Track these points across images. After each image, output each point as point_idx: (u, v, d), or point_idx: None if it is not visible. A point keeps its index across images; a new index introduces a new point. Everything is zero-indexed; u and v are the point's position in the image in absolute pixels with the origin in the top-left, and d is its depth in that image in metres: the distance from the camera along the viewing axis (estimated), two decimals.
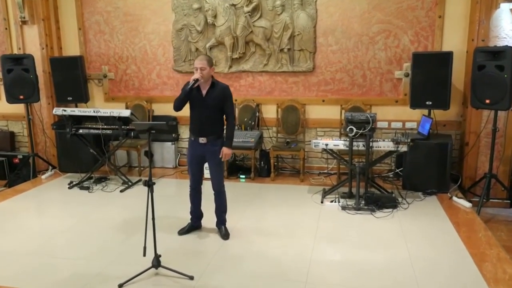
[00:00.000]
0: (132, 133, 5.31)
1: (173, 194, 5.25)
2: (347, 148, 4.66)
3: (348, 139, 4.64)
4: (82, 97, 6.11)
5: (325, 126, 5.92)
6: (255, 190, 5.36)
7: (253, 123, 5.93)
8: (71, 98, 6.11)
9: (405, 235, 3.98)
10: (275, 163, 5.85)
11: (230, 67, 5.99)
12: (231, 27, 5.82)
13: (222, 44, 5.93)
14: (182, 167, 6.25)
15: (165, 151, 6.28)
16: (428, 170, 5.02)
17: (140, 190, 5.38)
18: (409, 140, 4.55)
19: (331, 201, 4.74)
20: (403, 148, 4.56)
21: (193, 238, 3.98)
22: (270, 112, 6.02)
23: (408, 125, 5.65)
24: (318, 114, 5.90)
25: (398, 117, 5.67)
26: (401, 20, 5.46)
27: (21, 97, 5.86)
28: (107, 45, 6.38)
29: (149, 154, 3.26)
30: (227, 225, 4.05)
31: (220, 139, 3.81)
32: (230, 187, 5.49)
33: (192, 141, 3.84)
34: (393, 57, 5.56)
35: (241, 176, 5.81)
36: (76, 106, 6.31)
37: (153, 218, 3.17)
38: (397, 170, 5.59)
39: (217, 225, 4.04)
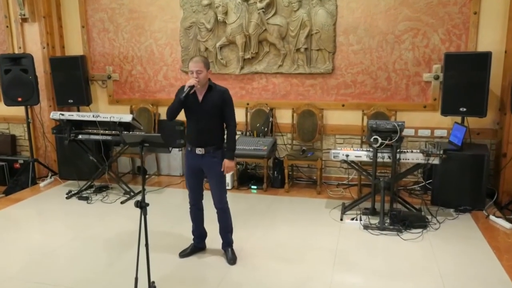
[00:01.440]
0: None
1: (178, 206, 4.80)
2: (370, 160, 4.15)
3: (371, 150, 4.14)
4: (84, 100, 5.72)
5: (345, 133, 5.42)
6: (267, 203, 4.89)
7: (266, 129, 5.47)
8: (72, 101, 5.73)
9: (437, 262, 3.46)
10: (290, 173, 5.37)
11: (242, 68, 5.53)
12: (243, 25, 5.36)
13: (234, 43, 5.47)
14: None
15: (171, 158, 5.88)
16: (461, 184, 4.48)
17: None
18: (441, 152, 4.02)
19: (352, 219, 4.24)
20: (435, 161, 4.03)
21: (195, 262, 3.52)
22: (284, 117, 5.55)
23: (437, 133, 5.11)
24: (337, 120, 5.41)
25: (426, 124, 5.14)
26: (431, 17, 4.92)
27: (19, 99, 5.50)
28: (111, 44, 5.99)
29: (142, 171, 2.81)
30: (235, 246, 3.60)
31: (220, 150, 3.37)
32: (241, 198, 5.08)
33: (189, 151, 3.41)
34: (421, 58, 5.03)
35: (253, 187, 5.35)
36: (78, 109, 5.93)
37: (146, 245, 2.72)
38: (425, 183, 5.05)
39: (223, 247, 3.59)
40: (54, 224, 4.39)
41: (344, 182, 5.48)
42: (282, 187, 5.32)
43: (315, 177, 5.52)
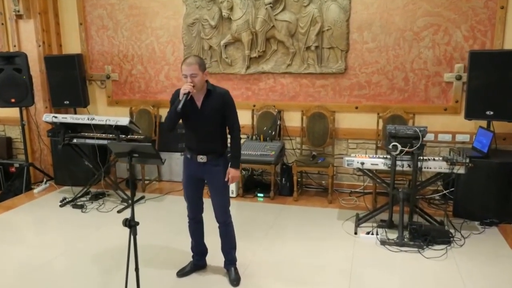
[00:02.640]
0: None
1: (179, 216, 4.43)
2: (388, 169, 3.78)
3: (389, 157, 3.77)
4: (81, 101, 5.41)
5: (358, 138, 5.05)
6: (274, 212, 4.53)
7: (273, 132, 5.11)
8: (68, 102, 5.42)
9: (465, 284, 3.09)
10: (298, 179, 5.01)
11: (248, 67, 5.18)
12: (249, 21, 5.01)
13: (239, 41, 5.12)
14: None
15: (173, 163, 5.54)
16: (487, 194, 4.09)
17: (142, 210, 4.62)
18: (467, 161, 3.64)
19: (367, 233, 3.87)
20: (460, 170, 3.65)
21: (194, 283, 3.18)
22: (293, 120, 5.19)
23: (459, 138, 4.73)
24: (350, 123, 5.04)
25: (446, 128, 4.75)
26: (453, 12, 4.53)
27: (13, 100, 5.20)
28: (110, 42, 5.66)
29: (131, 184, 2.46)
30: (238, 262, 3.25)
31: (222, 156, 3.03)
32: (246, 207, 4.74)
33: (189, 159, 3.07)
34: (442, 56, 4.65)
35: (259, 195, 4.99)
36: (75, 111, 5.63)
37: (136, 269, 2.38)
38: (445, 192, 4.67)
39: (225, 266, 3.24)
40: (45, 236, 4.07)
41: (357, 190, 5.10)
42: (291, 195, 4.96)
43: (325, 184, 5.16)
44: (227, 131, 3.05)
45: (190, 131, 3.02)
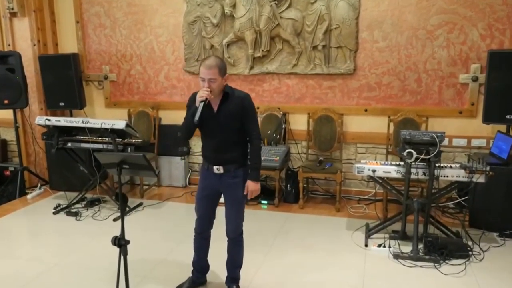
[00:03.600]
0: (129, 148, 4.34)
1: (179, 225, 4.22)
2: (402, 177, 3.52)
3: (402, 164, 3.51)
4: (76, 103, 5.17)
5: (368, 142, 4.79)
6: (279, 221, 4.28)
7: (278, 136, 4.86)
8: (63, 104, 5.18)
9: None
10: (304, 185, 4.75)
11: (252, 68, 4.93)
12: (253, 19, 4.76)
13: (242, 40, 4.88)
14: (193, 186, 5.26)
15: (173, 167, 5.31)
16: (507, 203, 3.83)
17: (139, 218, 4.39)
18: (487, 169, 3.37)
19: (379, 245, 3.61)
20: (480, 179, 3.39)
21: None
22: (299, 123, 4.94)
23: (475, 142, 4.47)
24: (359, 126, 4.78)
25: (461, 133, 4.49)
26: (470, 10, 4.27)
27: (6, 101, 4.97)
28: (108, 41, 5.43)
29: (120, 199, 2.22)
30: (241, 282, 3.00)
31: (242, 168, 2.76)
32: (249, 215, 4.42)
33: (205, 170, 2.81)
34: (457, 56, 4.38)
35: (263, 202, 4.75)
36: (71, 113, 5.40)
37: None
38: (460, 200, 4.41)
39: (226, 283, 2.99)
40: (35, 246, 3.83)
41: (366, 197, 4.85)
42: (296, 202, 4.71)
43: (333, 190, 4.91)
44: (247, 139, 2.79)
45: (205, 138, 2.77)
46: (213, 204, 2.88)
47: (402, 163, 3.60)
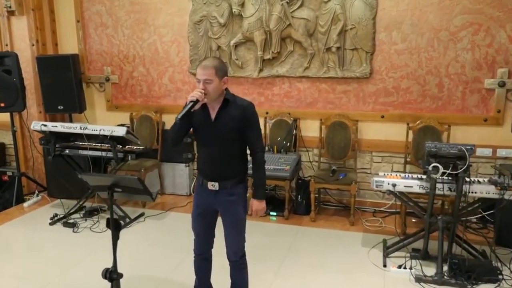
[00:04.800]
0: (130, 156, 4.08)
1: (182, 239, 3.93)
2: (424, 192, 3.23)
3: (424, 178, 3.22)
4: (76, 106, 4.91)
5: (384, 150, 4.49)
6: (289, 235, 4.00)
7: (288, 143, 4.57)
8: (62, 107, 4.93)
9: None
10: (316, 195, 4.46)
11: (261, 70, 4.64)
12: (262, 19, 4.47)
13: (251, 41, 4.59)
14: None
15: (176, 175, 5.04)
16: None
17: (140, 230, 4.13)
18: None
19: (399, 266, 3.31)
20: None
21: None
22: (311, 129, 4.65)
23: (501, 152, 4.15)
24: (375, 134, 4.49)
25: (486, 142, 4.17)
26: (497, 9, 3.96)
27: (2, 104, 4.73)
28: (110, 41, 5.17)
29: (112, 225, 1.95)
30: None
31: (241, 184, 2.50)
32: (257, 228, 4.20)
33: (200, 185, 2.55)
34: (482, 60, 4.07)
35: (272, 213, 4.46)
36: (70, 117, 5.15)
37: None
38: (484, 214, 4.10)
39: None
40: (27, 262, 3.57)
41: (381, 209, 4.55)
42: (307, 213, 4.42)
43: (346, 201, 4.62)
44: (248, 152, 2.53)
45: (201, 149, 2.52)
46: (211, 223, 2.62)
47: (424, 176, 3.31)
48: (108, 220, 1.97)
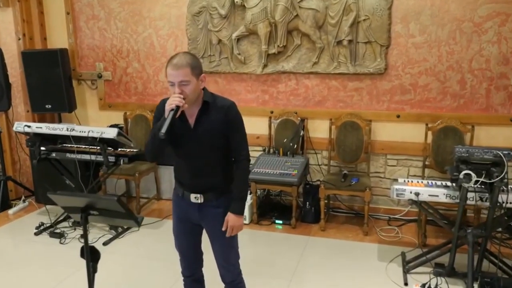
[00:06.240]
0: (122, 159, 3.72)
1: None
2: (452, 202, 2.86)
3: (453, 186, 2.85)
4: (65, 105, 4.54)
5: (400, 153, 4.13)
6: (297, 247, 3.64)
7: (295, 145, 4.20)
8: (50, 106, 4.56)
9: None
10: (325, 201, 4.09)
11: (265, 66, 4.27)
12: (267, 10, 4.10)
13: (255, 33, 4.22)
14: None
15: (174, 178, 4.66)
16: None
17: (134, 241, 3.78)
18: None
19: (423, 285, 2.94)
20: None
21: None
22: (319, 130, 4.28)
23: None
24: (390, 135, 4.12)
25: None
26: None
27: None
28: (102, 34, 4.80)
29: (86, 255, 1.57)
30: None
31: (226, 194, 2.16)
32: (261, 238, 3.84)
33: (179, 197, 2.21)
34: (510, 54, 3.71)
35: (277, 222, 4.10)
36: (59, 117, 4.79)
37: None
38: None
39: None
40: (7, 280, 3.21)
41: (397, 217, 4.19)
42: (316, 222, 4.07)
43: (358, 208, 4.27)
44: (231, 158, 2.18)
45: (180, 159, 2.16)
46: (196, 239, 2.29)
47: (449, 183, 2.96)
48: (82, 249, 1.60)
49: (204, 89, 2.07)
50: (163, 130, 1.85)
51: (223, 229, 2.13)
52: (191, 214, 2.18)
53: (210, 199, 2.13)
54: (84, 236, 1.65)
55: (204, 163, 2.09)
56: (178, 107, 1.91)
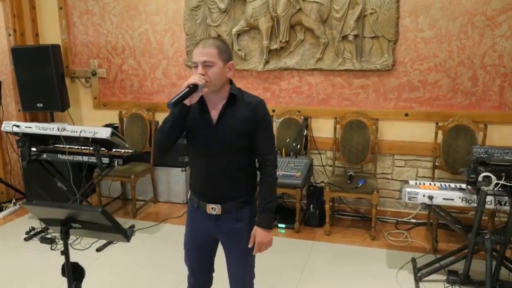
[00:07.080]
0: (117, 161, 3.53)
1: (176, 257, 3.38)
2: (469, 205, 2.68)
3: (469, 189, 2.67)
4: (57, 104, 4.34)
5: (408, 153, 3.95)
6: (302, 253, 3.45)
7: (298, 146, 4.02)
8: (41, 105, 4.36)
9: None
10: (330, 203, 3.91)
11: (267, 62, 4.08)
12: (269, 3, 3.91)
13: (256, 28, 4.04)
14: None
15: (172, 180, 4.49)
16: None
17: (128, 247, 3.57)
18: None
19: None
20: None
21: None
22: (324, 129, 4.10)
23: None
24: (398, 134, 3.94)
25: None
26: None
27: None
28: (96, 30, 4.61)
29: (68, 274, 1.39)
30: None
31: (249, 207, 1.94)
32: None
33: (195, 208, 1.98)
34: None
35: (280, 225, 3.92)
36: (52, 116, 4.59)
37: None
38: None
39: None
40: None
41: (405, 220, 4.01)
42: (320, 225, 3.88)
43: (364, 211, 4.09)
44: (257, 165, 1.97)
45: (196, 159, 1.93)
46: (211, 256, 2.08)
47: (463, 185, 2.78)
48: (63, 267, 1.41)
49: (232, 82, 1.87)
50: (173, 100, 1.64)
51: (250, 245, 1.91)
52: (208, 228, 1.95)
53: (229, 210, 1.90)
54: (65, 252, 1.44)
55: (223, 166, 1.86)
56: (196, 86, 1.69)
